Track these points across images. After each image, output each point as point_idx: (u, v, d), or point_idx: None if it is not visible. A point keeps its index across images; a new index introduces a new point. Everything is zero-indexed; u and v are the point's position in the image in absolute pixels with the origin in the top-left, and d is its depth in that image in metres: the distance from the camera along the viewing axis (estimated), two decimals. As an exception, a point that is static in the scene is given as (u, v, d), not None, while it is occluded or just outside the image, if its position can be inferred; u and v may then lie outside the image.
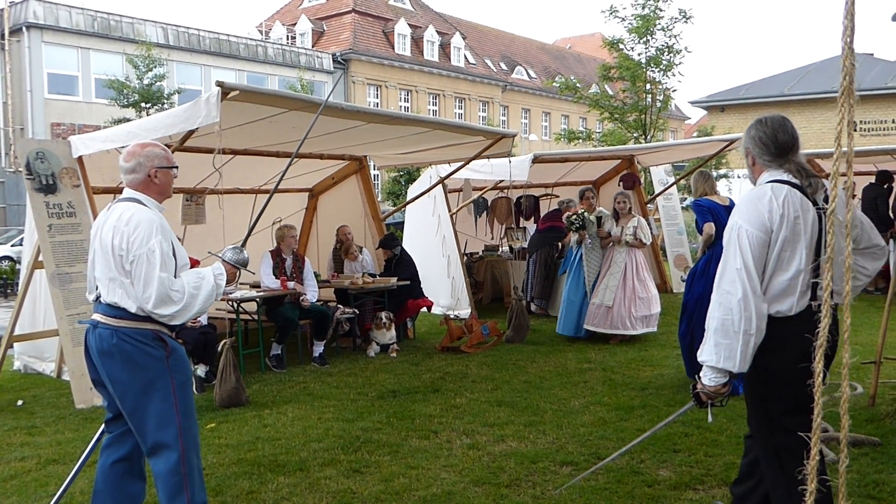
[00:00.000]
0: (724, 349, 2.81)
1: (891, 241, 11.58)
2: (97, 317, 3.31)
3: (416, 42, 40.64)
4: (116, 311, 3.25)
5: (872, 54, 31.98)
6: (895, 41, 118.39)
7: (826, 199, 2.80)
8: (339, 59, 36.30)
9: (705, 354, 2.88)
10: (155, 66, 23.21)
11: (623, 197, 8.61)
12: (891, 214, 11.54)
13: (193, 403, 3.41)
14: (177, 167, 3.53)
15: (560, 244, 10.46)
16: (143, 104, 22.81)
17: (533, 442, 4.88)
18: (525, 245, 11.40)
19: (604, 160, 12.26)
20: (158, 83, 23.35)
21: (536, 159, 9.69)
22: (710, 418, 3.24)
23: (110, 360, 3.24)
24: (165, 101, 23.19)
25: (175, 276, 3.24)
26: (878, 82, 28.01)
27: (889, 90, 27.39)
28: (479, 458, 4.60)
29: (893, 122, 27.18)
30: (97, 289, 3.35)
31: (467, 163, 8.93)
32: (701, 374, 2.92)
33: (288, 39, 37.96)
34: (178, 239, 7.71)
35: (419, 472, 4.40)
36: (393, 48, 39.15)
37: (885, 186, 11.50)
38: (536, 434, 5.03)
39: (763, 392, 2.94)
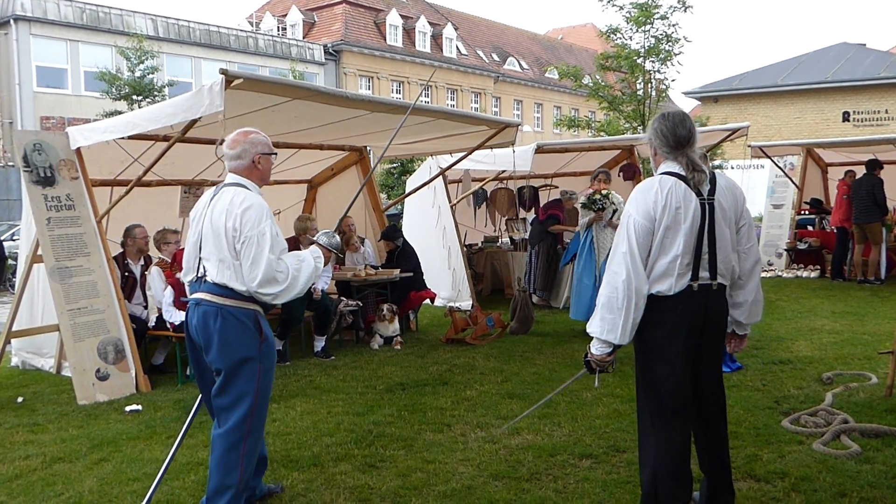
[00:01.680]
0: (608, 323, 3.17)
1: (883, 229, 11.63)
2: (200, 295, 3.50)
3: (408, 33, 40.41)
4: (223, 290, 3.45)
5: (865, 44, 32.01)
6: (887, 32, 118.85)
7: (711, 192, 3.19)
8: (330, 50, 36.04)
9: (593, 327, 3.24)
10: (146, 59, 22.95)
11: (604, 175, 8.27)
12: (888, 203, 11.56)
13: (271, 390, 3.62)
14: (276, 153, 3.75)
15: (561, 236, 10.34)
16: (134, 96, 22.56)
17: (549, 435, 4.80)
18: (526, 236, 11.32)
19: (604, 150, 12.19)
20: (150, 75, 23.10)
21: (539, 149, 9.59)
22: (596, 383, 3.58)
23: (209, 338, 3.45)
24: (157, 94, 22.95)
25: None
26: (870, 73, 28.02)
27: (882, 80, 27.39)
28: (495, 452, 4.52)
29: (886, 111, 27.20)
30: (198, 269, 3.53)
31: (470, 152, 8.83)
32: (591, 344, 3.30)
33: (279, 31, 37.65)
34: (177, 231, 7.63)
35: (436, 466, 4.32)
36: (384, 39, 38.92)
37: (878, 175, 11.47)
38: (552, 427, 4.95)
39: (645, 360, 3.29)
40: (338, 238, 3.81)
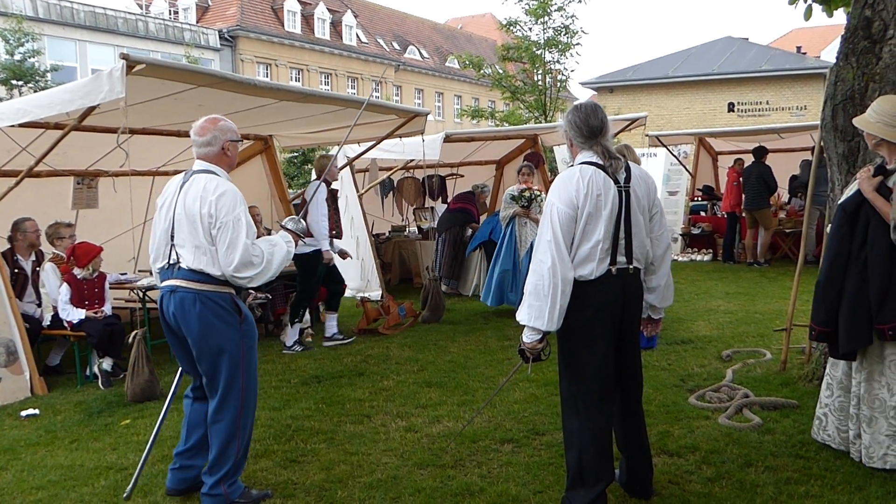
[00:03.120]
0: (535, 310, 3.23)
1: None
2: (176, 282, 3.56)
3: (307, 19, 39.63)
4: (200, 275, 3.53)
5: (748, 39, 33.73)
6: (768, 27, 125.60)
7: (627, 179, 3.32)
8: (225, 35, 34.90)
9: (522, 315, 3.30)
10: (27, 41, 21.56)
11: (528, 169, 8.60)
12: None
13: (256, 365, 3.74)
14: (241, 140, 3.85)
15: (470, 229, 10.42)
16: (14, 81, 21.17)
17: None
18: (433, 225, 11.35)
19: (509, 139, 12.36)
20: (32, 59, 21.73)
21: (448, 138, 9.63)
22: (528, 371, 3.65)
23: (190, 324, 3.55)
24: (40, 79, 21.62)
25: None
26: (753, 66, 29.55)
27: (763, 73, 28.94)
28: (418, 441, 4.52)
29: (767, 102, 28.77)
30: (171, 256, 3.58)
31: (379, 142, 8.77)
32: (522, 333, 3.35)
33: (170, 14, 36.18)
34: (71, 225, 7.24)
35: (359, 458, 4.29)
36: (282, 25, 38.02)
37: (765, 161, 12.09)
38: (471, 413, 4.99)
39: (568, 344, 3.36)
40: (304, 223, 3.97)
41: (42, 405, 5.69)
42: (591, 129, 3.32)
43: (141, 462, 3.96)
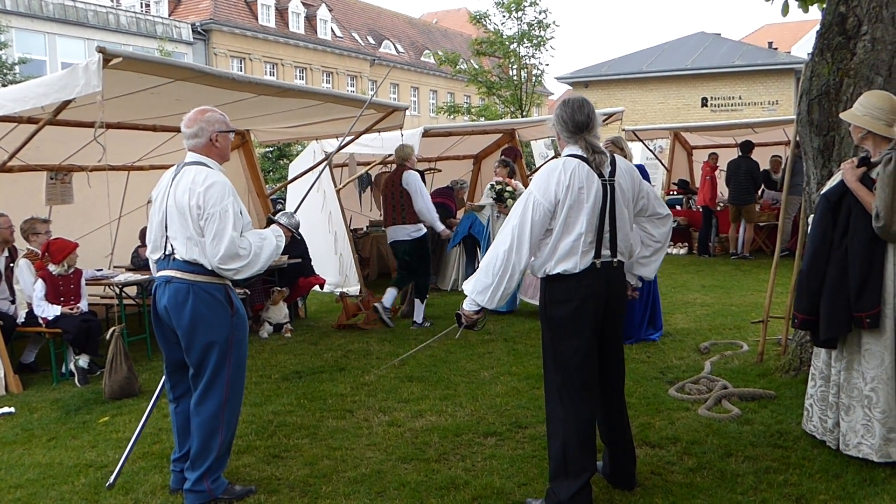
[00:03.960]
0: (481, 285, 3.34)
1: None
2: (170, 273, 3.58)
3: (281, 13, 39.32)
4: (193, 266, 3.55)
5: (720, 34, 34.04)
6: (740, 22, 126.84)
7: (612, 173, 3.37)
8: (198, 29, 34.54)
9: (469, 285, 3.41)
10: (-6, 34, 21.22)
11: (501, 164, 8.82)
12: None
13: (246, 359, 3.76)
14: (234, 131, 3.84)
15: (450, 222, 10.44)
16: (-20, 74, 20.84)
17: (452, 415, 4.86)
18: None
19: (487, 134, 12.38)
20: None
21: (426, 133, 9.62)
22: (457, 335, 3.85)
23: (182, 315, 3.55)
24: (8, 72, 21.25)
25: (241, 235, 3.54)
26: (725, 61, 29.84)
27: (735, 68, 29.24)
28: (401, 435, 4.53)
29: (740, 97, 29.09)
30: (166, 247, 3.60)
31: (358, 136, 8.73)
32: (465, 300, 3.43)
33: (142, 7, 35.69)
34: (47, 221, 7.14)
35: (343, 452, 4.28)
36: (256, 19, 37.69)
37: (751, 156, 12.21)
38: (454, 407, 5.01)
39: (554, 336, 3.39)
40: (297, 219, 3.95)
41: (17, 403, 5.60)
42: (576, 124, 3.37)
43: (122, 458, 3.96)
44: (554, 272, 3.33)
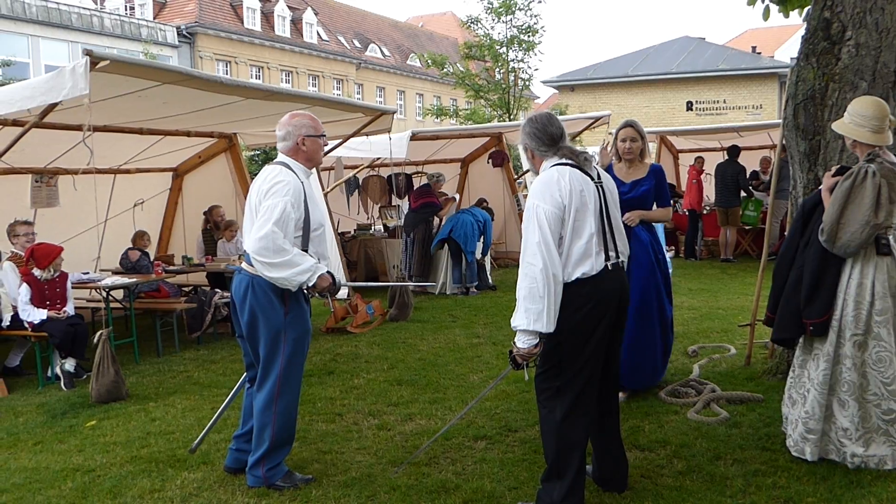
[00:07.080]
0: (533, 314, 3.17)
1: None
2: (242, 265, 3.82)
3: (267, 17, 39.18)
4: None
5: (704, 38, 34.31)
6: (724, 27, 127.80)
7: (598, 176, 3.41)
8: (184, 32, 34.33)
9: (517, 320, 3.22)
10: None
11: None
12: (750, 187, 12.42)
13: (304, 356, 3.88)
14: (324, 135, 3.94)
15: (438, 218, 10.49)
16: (-37, 77, 20.63)
17: (442, 419, 4.85)
18: (399, 223, 11.34)
19: (474, 137, 12.40)
20: (-18, 54, 21.18)
21: (414, 136, 9.62)
22: (525, 377, 3.49)
23: (242, 306, 3.75)
24: (-9, 74, 21.08)
25: (305, 239, 3.68)
26: (710, 65, 30.12)
27: (720, 72, 29.51)
28: (391, 439, 4.52)
29: (725, 101, 29.33)
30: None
31: (346, 140, 8.72)
32: (515, 339, 3.26)
33: (126, 10, 35.48)
34: (29, 223, 7.05)
35: (332, 456, 4.27)
36: (242, 22, 37.55)
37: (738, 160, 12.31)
38: (443, 411, 5.01)
39: (562, 339, 3.27)
40: (340, 282, 3.94)
41: (3, 407, 5.56)
42: (551, 136, 3.37)
43: (206, 428, 4.34)
44: (573, 278, 3.26)
